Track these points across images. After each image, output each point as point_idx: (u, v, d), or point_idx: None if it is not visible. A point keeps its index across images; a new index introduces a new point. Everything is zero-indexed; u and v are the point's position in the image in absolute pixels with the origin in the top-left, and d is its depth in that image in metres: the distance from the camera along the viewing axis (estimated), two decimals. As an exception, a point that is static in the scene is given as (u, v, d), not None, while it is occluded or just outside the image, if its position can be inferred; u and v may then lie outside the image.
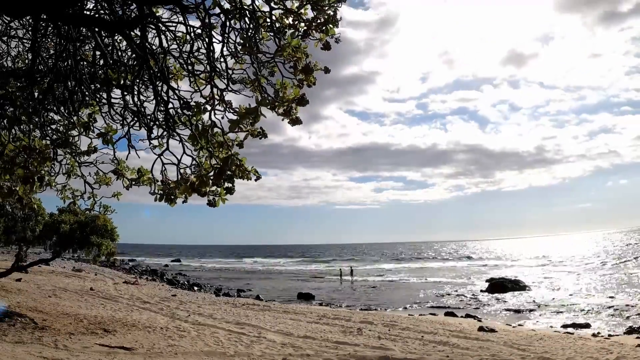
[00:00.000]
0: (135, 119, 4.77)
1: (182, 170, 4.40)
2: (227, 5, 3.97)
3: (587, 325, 19.19)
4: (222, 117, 4.23)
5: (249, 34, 3.99)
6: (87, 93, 5.13)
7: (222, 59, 4.21)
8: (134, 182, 4.88)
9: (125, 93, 4.88)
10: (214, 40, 4.13)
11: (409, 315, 22.03)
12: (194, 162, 4.40)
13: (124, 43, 4.82)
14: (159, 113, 4.60)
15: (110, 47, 4.70)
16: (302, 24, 3.94)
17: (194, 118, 4.35)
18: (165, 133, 4.56)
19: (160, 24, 4.33)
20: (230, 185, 4.13)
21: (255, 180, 4.23)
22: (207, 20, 4.03)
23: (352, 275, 48.79)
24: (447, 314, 22.90)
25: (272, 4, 3.86)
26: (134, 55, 4.58)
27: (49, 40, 5.18)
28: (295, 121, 4.12)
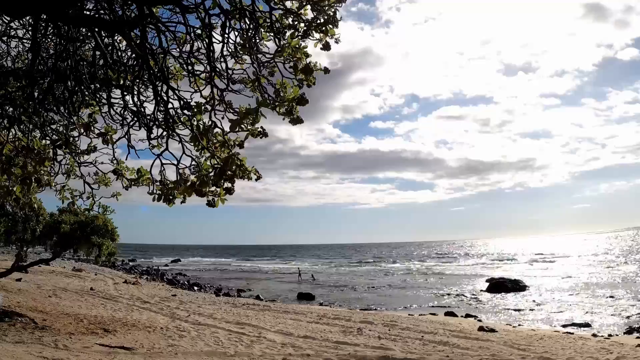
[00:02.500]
0: (135, 119, 4.77)
1: (181, 171, 4.40)
2: (227, 6, 3.97)
3: (587, 325, 19.20)
4: (222, 118, 4.23)
5: (249, 34, 3.99)
6: (87, 93, 5.13)
7: (222, 59, 4.21)
8: (133, 183, 4.88)
9: (125, 93, 4.88)
10: (213, 40, 4.13)
11: (409, 315, 22.03)
12: (193, 162, 4.40)
13: (124, 43, 4.82)
14: (158, 113, 4.61)
15: (110, 47, 4.70)
16: (302, 25, 3.94)
17: (195, 118, 4.35)
18: (164, 133, 4.56)
19: (160, 24, 4.33)
20: (230, 185, 4.13)
21: (256, 179, 4.23)
22: (207, 21, 4.03)
23: (300, 275, 49.49)
24: (447, 314, 22.90)
25: (272, 4, 3.86)
26: (133, 55, 4.58)
27: (49, 40, 5.18)
28: (297, 120, 4.12)
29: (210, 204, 4.21)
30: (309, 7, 3.82)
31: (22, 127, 5.10)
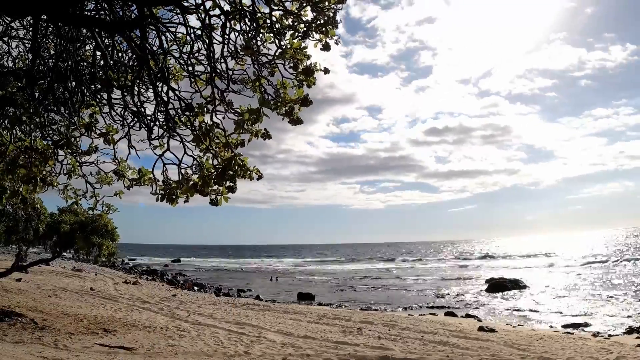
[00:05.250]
0: (136, 119, 4.78)
1: (183, 171, 4.41)
2: (227, 7, 3.98)
3: (587, 325, 19.19)
4: (224, 118, 4.24)
5: (250, 35, 4.00)
6: (87, 93, 5.14)
7: (222, 60, 4.22)
8: (135, 182, 4.89)
9: (126, 93, 4.89)
10: (214, 41, 4.14)
11: (409, 315, 22.04)
12: (195, 162, 4.41)
13: (124, 44, 4.83)
14: (159, 114, 4.61)
15: (110, 48, 4.71)
16: (302, 25, 3.94)
17: (196, 119, 4.36)
18: (165, 134, 4.57)
19: (160, 25, 4.34)
20: (232, 184, 4.15)
21: (257, 179, 4.25)
22: (207, 21, 4.03)
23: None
24: (447, 314, 22.90)
25: (272, 5, 3.87)
26: (134, 55, 4.59)
27: (49, 40, 5.19)
28: (297, 121, 4.13)
29: (213, 203, 4.22)
30: (308, 8, 3.83)
31: (23, 127, 5.11)
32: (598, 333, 17.24)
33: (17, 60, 5.81)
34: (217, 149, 4.25)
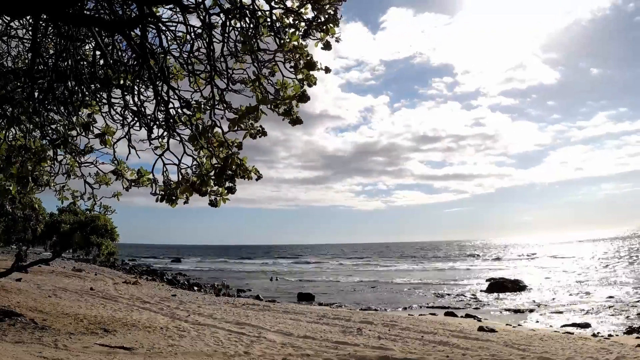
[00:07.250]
0: (136, 119, 4.77)
1: (183, 171, 4.39)
2: (227, 5, 3.96)
3: (587, 325, 19.19)
4: (222, 118, 4.23)
5: (249, 33, 3.98)
6: (87, 93, 5.13)
7: (222, 59, 4.21)
8: (133, 183, 4.87)
9: (126, 93, 4.87)
10: (214, 40, 4.13)
11: (409, 315, 22.03)
12: (195, 162, 4.40)
13: (124, 43, 4.82)
14: (159, 113, 4.60)
15: (110, 47, 4.70)
16: (303, 24, 3.93)
17: (194, 118, 4.35)
18: (165, 133, 4.56)
19: (160, 24, 4.33)
20: (231, 184, 4.13)
21: (257, 179, 4.23)
22: (207, 20, 4.02)
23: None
24: (447, 314, 22.89)
25: (273, 3, 3.85)
26: (134, 55, 4.58)
27: (49, 40, 5.18)
28: (296, 121, 4.12)
29: (213, 204, 4.21)
30: (309, 5, 3.82)
31: (22, 127, 5.10)
32: (598, 333, 17.23)
33: (16, 60, 5.80)
34: (214, 148, 4.23)
